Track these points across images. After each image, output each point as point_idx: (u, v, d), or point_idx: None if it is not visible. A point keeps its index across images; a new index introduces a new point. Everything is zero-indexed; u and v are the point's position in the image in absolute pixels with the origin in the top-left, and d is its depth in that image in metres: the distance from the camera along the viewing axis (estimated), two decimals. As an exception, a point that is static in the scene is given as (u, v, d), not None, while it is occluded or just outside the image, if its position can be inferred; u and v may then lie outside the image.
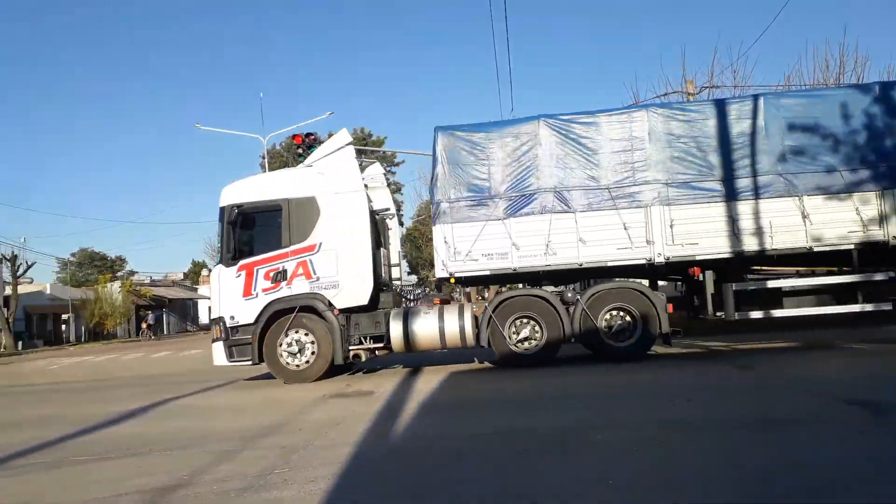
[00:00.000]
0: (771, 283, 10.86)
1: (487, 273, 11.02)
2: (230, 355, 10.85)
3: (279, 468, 5.09)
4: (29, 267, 44.10)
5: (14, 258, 41.91)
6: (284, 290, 10.77)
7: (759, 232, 10.52)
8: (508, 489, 4.23)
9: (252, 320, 10.74)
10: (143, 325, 50.40)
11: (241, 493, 4.46)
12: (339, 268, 10.79)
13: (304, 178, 11.31)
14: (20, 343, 40.45)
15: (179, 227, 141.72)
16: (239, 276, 10.86)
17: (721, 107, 11.01)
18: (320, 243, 10.82)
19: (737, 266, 11.00)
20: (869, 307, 10.51)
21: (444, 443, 5.75)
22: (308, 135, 22.99)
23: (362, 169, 12.58)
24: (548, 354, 10.75)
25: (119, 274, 72.12)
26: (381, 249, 11.73)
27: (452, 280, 11.20)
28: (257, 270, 10.85)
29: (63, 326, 52.26)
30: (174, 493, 4.57)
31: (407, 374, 11.08)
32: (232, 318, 10.82)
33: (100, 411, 9.30)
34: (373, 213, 11.47)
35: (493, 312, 10.77)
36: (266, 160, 45.06)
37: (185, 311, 69.18)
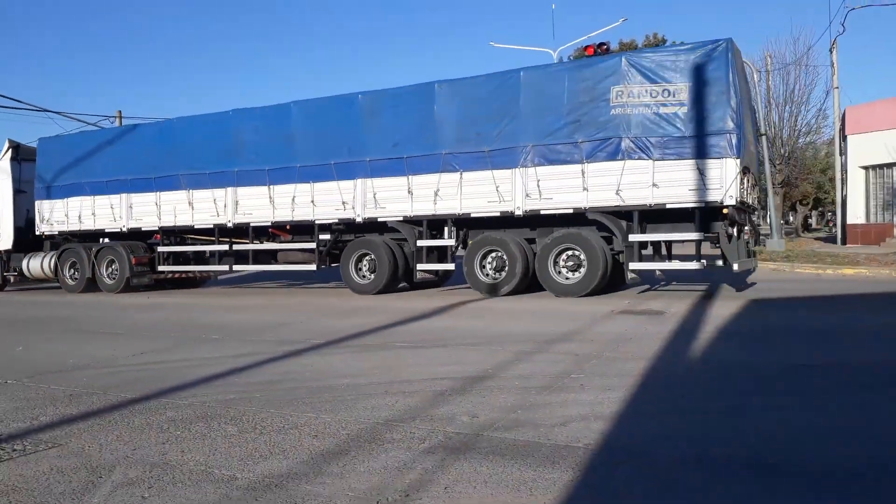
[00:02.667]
0: (178, 248, 15.65)
1: (56, 234, 16.80)
2: None
3: (574, 373, 5.27)
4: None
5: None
6: None
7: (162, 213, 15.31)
8: (826, 423, 3.85)
9: None
10: None
11: (540, 391, 4.72)
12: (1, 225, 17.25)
13: None
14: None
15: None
16: None
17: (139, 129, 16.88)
18: None
19: (174, 237, 15.64)
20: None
21: (747, 369, 5.42)
22: (600, 45, 22.19)
23: None
24: (85, 287, 15.90)
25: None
26: None
27: (44, 237, 17.00)
28: None
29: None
30: (481, 383, 5.00)
31: (699, 298, 10.59)
32: None
33: (408, 306, 10.52)
34: None
35: (57, 257, 16.45)
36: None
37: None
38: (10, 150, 17.11)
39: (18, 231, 17.07)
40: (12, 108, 27.08)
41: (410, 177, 12.33)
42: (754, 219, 12.98)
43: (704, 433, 3.75)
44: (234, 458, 3.50)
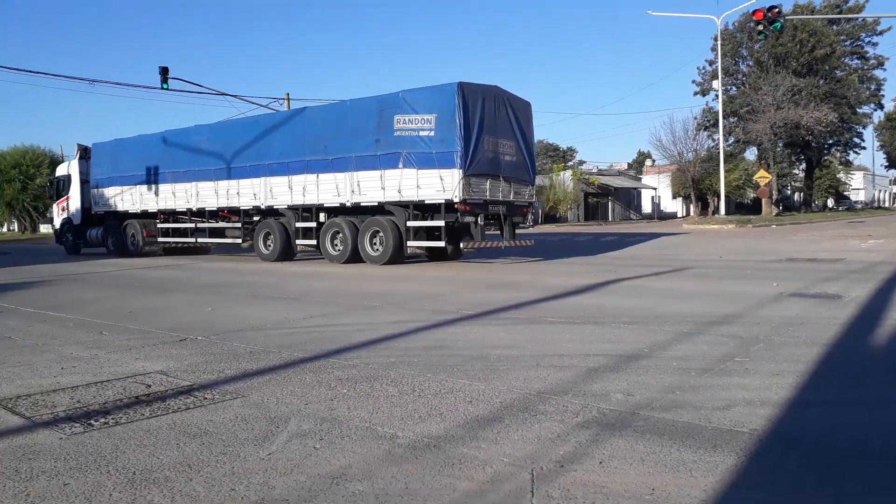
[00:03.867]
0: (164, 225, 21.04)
1: (102, 213, 22.69)
2: (56, 242, 25.87)
3: (739, 356, 5.00)
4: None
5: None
6: (64, 215, 24.39)
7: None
8: None
9: (58, 226, 24.87)
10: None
11: (701, 374, 4.53)
12: (72, 207, 23.86)
13: (70, 166, 24.03)
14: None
15: (626, 119, 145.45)
16: (58, 206, 24.84)
17: None
18: (69, 195, 23.98)
19: (168, 218, 20.96)
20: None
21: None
22: (770, 8, 20.66)
23: None
24: (118, 252, 21.94)
25: (570, 163, 78.03)
26: None
27: (96, 215, 22.90)
28: (59, 205, 24.72)
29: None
30: (636, 362, 4.89)
31: (883, 282, 9.61)
32: (54, 225, 25.51)
33: (559, 283, 10.45)
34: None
35: (103, 230, 22.87)
36: (719, 42, 42.22)
37: (628, 199, 71.51)
38: (79, 151, 23.73)
39: (85, 211, 23.39)
40: (198, 92, 30.22)
41: (290, 176, 16.97)
42: (531, 214, 16.83)
43: (885, 427, 3.43)
44: (395, 418, 3.70)
